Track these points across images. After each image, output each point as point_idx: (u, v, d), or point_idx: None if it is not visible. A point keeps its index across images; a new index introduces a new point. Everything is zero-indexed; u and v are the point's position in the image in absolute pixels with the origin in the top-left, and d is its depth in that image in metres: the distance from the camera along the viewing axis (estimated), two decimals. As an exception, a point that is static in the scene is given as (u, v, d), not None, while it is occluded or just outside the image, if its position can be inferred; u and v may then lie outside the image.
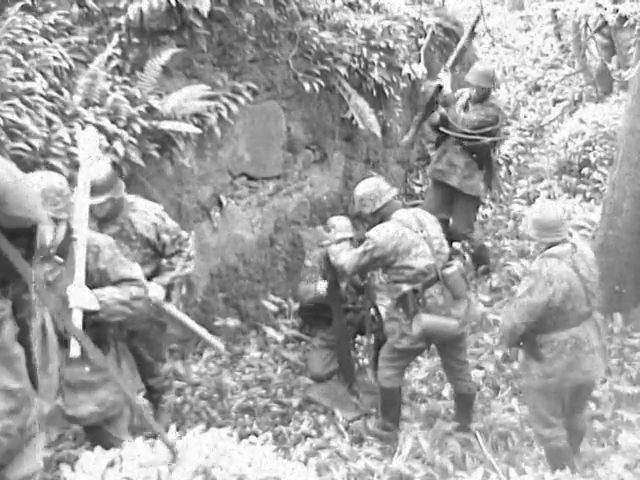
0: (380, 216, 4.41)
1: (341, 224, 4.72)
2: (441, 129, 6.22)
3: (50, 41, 4.56)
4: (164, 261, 4.05)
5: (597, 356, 3.99)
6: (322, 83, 6.04)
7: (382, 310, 4.92)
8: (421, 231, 4.35)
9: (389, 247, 4.25)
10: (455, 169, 6.26)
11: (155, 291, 3.90)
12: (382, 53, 6.66)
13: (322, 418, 4.78)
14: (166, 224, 4.00)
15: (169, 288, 4.04)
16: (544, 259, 3.90)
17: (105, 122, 4.41)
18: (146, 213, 3.97)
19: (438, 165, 6.39)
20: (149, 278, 3.90)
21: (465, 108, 6.22)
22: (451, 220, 6.48)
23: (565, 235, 3.95)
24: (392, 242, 4.26)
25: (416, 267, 4.26)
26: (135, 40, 4.90)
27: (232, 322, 5.46)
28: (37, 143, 4.07)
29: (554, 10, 10.59)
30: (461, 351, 4.58)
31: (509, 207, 7.80)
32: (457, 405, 4.67)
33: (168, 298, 4.05)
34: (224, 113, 5.19)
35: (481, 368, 5.26)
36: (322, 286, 4.97)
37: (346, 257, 4.40)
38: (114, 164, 4.40)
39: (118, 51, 4.78)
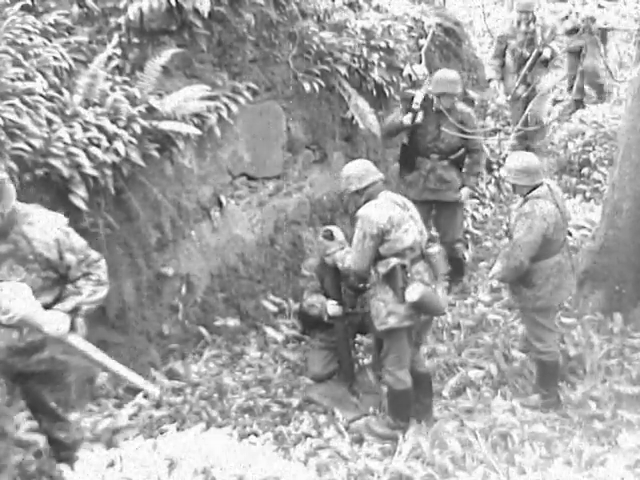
0: (366, 196, 4.46)
1: (338, 233, 4.84)
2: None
3: (50, 41, 4.56)
4: (69, 285, 3.34)
5: (571, 275, 4.87)
6: (322, 83, 6.04)
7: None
8: (408, 209, 4.47)
9: (384, 219, 4.29)
10: (448, 185, 6.12)
11: (55, 323, 3.21)
12: (382, 53, 6.67)
13: (322, 418, 4.77)
14: (71, 241, 3.31)
15: (74, 315, 3.32)
16: (533, 201, 4.62)
17: (105, 122, 4.41)
18: (46, 227, 3.25)
19: (429, 184, 6.12)
20: (50, 306, 3.27)
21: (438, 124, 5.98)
22: (437, 232, 6.43)
23: (540, 180, 4.70)
24: (387, 213, 4.31)
25: (406, 241, 4.34)
26: (135, 40, 4.90)
27: (232, 322, 5.46)
28: (37, 143, 4.07)
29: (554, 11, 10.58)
30: (419, 335, 4.65)
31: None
32: (419, 387, 4.67)
33: (73, 328, 3.33)
34: (224, 113, 5.19)
35: (481, 368, 5.26)
36: (332, 308, 4.99)
37: (350, 255, 4.47)
38: (114, 164, 4.41)
39: (118, 51, 4.78)
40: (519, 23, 7.82)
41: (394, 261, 4.32)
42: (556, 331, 4.94)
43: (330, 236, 4.83)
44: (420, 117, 5.94)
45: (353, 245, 4.41)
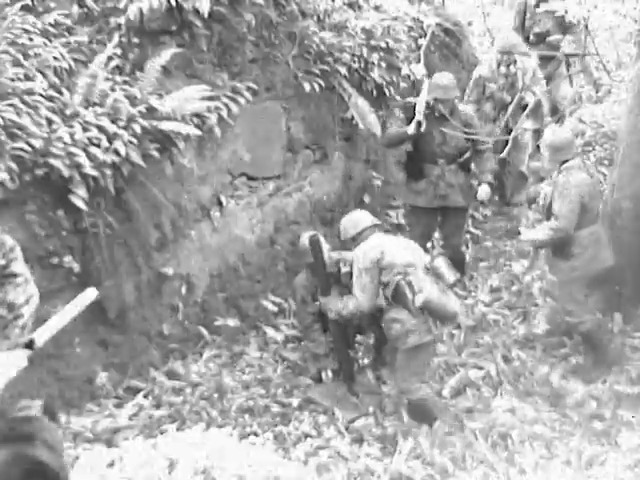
0: (360, 240, 4.66)
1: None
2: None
3: (50, 41, 4.56)
4: (8, 313, 2.91)
5: (606, 248, 4.97)
6: (322, 83, 6.03)
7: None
8: (398, 237, 4.79)
9: (375, 249, 4.47)
10: (456, 189, 6.04)
11: (16, 362, 2.78)
12: (382, 53, 6.66)
13: (322, 418, 4.77)
14: None
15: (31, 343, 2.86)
16: (566, 171, 4.78)
17: (105, 122, 4.40)
18: None
19: (439, 191, 6.02)
20: None
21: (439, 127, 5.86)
22: (441, 237, 6.38)
23: (574, 152, 4.89)
24: (375, 243, 4.51)
25: (402, 259, 4.46)
26: (135, 40, 4.90)
27: (232, 322, 5.46)
28: (37, 143, 4.07)
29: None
30: None
31: (508, 207, 7.79)
32: None
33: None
34: (224, 113, 5.19)
35: (481, 368, 5.26)
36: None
37: (352, 300, 4.54)
38: (114, 164, 4.41)
39: (118, 51, 4.77)
40: (499, 65, 7.00)
41: (396, 278, 4.40)
42: (586, 303, 5.05)
43: (317, 242, 4.81)
44: (424, 125, 5.84)
45: (354, 288, 4.52)
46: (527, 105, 6.78)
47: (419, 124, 5.82)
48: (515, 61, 7.02)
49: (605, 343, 5.10)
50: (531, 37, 8.18)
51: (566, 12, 7.95)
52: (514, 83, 6.99)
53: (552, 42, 8.12)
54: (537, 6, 7.97)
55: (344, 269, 4.81)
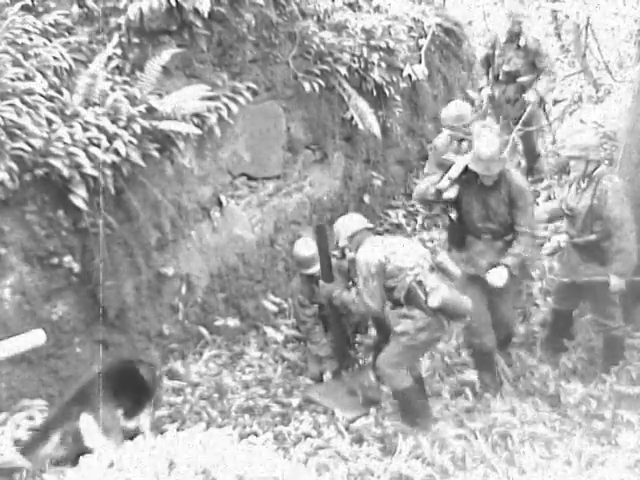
0: (355, 243, 4.62)
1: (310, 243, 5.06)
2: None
3: (50, 41, 4.57)
4: None
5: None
6: (322, 83, 6.04)
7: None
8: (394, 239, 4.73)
9: (378, 254, 4.44)
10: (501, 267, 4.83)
11: None
12: (382, 53, 6.67)
13: (322, 418, 4.77)
14: None
15: None
16: (609, 177, 4.84)
17: (105, 122, 4.41)
18: None
19: (478, 270, 4.90)
20: None
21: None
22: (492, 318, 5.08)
23: (601, 154, 4.97)
24: (378, 248, 4.48)
25: (407, 262, 4.43)
26: (135, 40, 4.90)
27: (232, 322, 5.46)
28: (37, 143, 4.07)
29: (554, 10, 10.57)
30: None
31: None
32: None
33: None
34: (224, 113, 5.19)
35: (481, 368, 5.25)
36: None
37: (359, 298, 4.53)
38: (114, 164, 4.41)
39: (118, 51, 4.79)
40: (451, 140, 5.64)
41: (408, 280, 4.39)
42: (620, 307, 5.08)
43: (323, 230, 4.81)
44: (454, 192, 4.84)
45: (360, 289, 4.50)
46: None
47: (439, 193, 4.87)
48: (469, 136, 5.52)
49: (624, 348, 5.13)
50: (500, 76, 7.11)
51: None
52: None
53: (523, 84, 7.05)
54: (507, 42, 6.99)
55: (349, 255, 4.69)
